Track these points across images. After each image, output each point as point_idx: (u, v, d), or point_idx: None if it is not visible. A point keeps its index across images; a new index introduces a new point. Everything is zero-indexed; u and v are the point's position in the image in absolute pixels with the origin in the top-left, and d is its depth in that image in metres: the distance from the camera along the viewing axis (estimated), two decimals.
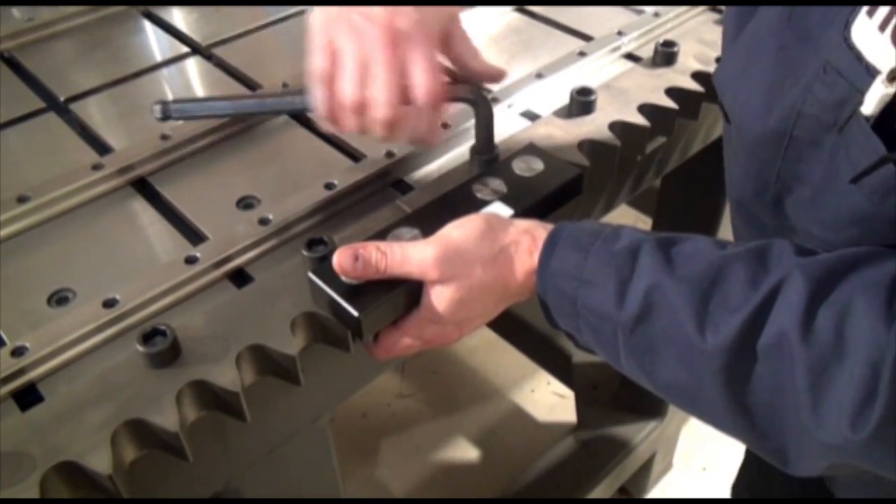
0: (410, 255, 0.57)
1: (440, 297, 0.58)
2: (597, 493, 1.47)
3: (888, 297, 0.43)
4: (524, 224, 0.59)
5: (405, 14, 0.60)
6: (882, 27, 0.44)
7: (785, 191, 0.56)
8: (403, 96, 0.61)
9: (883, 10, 0.44)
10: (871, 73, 0.45)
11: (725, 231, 1.25)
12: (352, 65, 0.60)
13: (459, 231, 0.58)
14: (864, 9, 0.46)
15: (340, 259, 0.57)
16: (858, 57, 0.46)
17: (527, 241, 0.58)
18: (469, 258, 0.57)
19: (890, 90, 0.44)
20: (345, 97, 0.61)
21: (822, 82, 0.49)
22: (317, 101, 0.62)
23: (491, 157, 0.72)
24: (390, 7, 0.60)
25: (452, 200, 0.66)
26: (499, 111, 0.81)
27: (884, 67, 0.44)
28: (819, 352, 0.44)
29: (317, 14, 0.62)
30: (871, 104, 0.45)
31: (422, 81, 0.60)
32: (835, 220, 0.51)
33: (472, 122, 0.79)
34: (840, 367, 0.44)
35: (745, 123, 0.59)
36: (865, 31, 0.46)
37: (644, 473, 1.65)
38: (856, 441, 0.43)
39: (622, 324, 0.52)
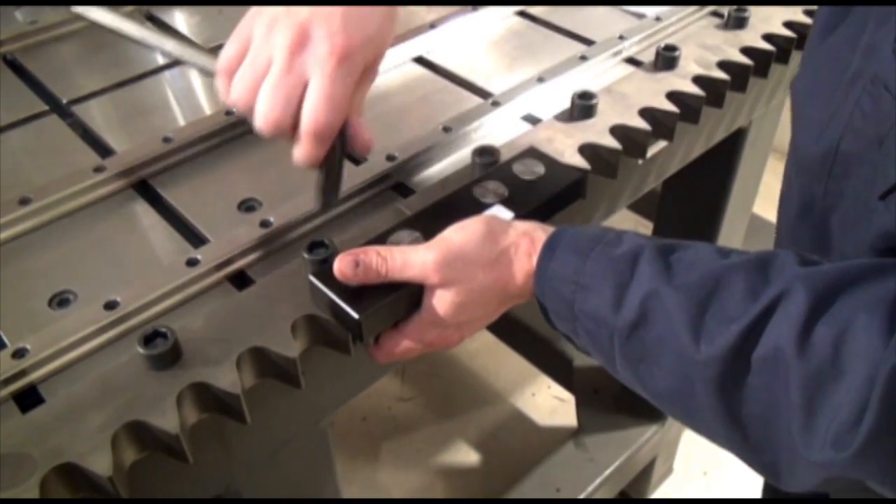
0: (411, 259, 0.57)
1: (441, 301, 0.58)
2: (597, 498, 1.46)
3: (890, 314, 0.42)
4: (524, 226, 0.59)
5: (328, 20, 0.54)
6: None
7: (830, 209, 0.55)
8: (294, 113, 0.55)
9: None
10: None
11: (726, 235, 1.25)
12: (252, 61, 0.55)
13: (460, 234, 0.58)
14: None
15: (341, 265, 0.57)
16: None
17: (526, 243, 0.58)
18: (470, 261, 0.57)
19: None
20: (234, 89, 0.56)
21: (868, 94, 0.48)
22: (217, 89, 0.59)
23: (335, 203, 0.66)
24: (320, 9, 0.54)
25: (453, 203, 0.67)
26: (500, 115, 0.81)
27: None
28: (816, 367, 0.43)
29: (255, 6, 0.58)
30: None
31: (310, 108, 0.54)
32: (867, 239, 0.50)
33: (475, 124, 0.79)
34: (837, 384, 0.43)
35: (803, 138, 0.58)
36: None
37: (645, 478, 1.64)
38: (839, 459, 0.42)
39: (618, 329, 0.52)
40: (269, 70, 0.55)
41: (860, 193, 0.51)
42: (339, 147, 0.59)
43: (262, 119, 0.55)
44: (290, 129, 0.56)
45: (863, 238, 0.51)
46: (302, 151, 0.57)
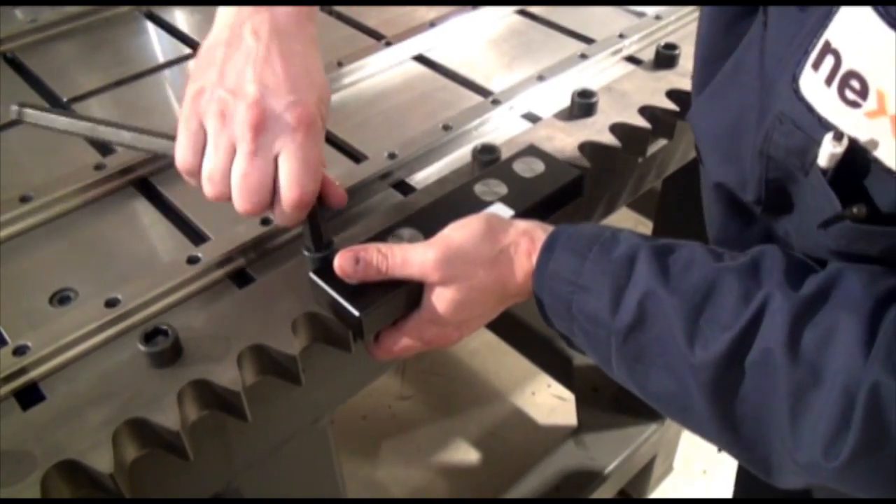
0: (411, 257, 0.58)
1: (441, 299, 0.58)
2: (597, 496, 1.46)
3: (870, 321, 0.43)
4: (524, 225, 0.59)
5: (279, 92, 0.54)
6: (828, 81, 0.44)
7: (774, 221, 0.56)
8: (271, 190, 0.55)
9: (827, 65, 0.44)
10: (823, 125, 0.45)
11: None
12: (214, 152, 0.54)
13: (460, 232, 0.58)
14: (810, 62, 0.45)
15: (341, 262, 0.57)
16: (810, 109, 0.46)
17: (525, 242, 0.58)
18: (470, 259, 0.57)
19: (839, 149, 0.44)
20: (206, 186, 0.56)
21: (779, 131, 0.49)
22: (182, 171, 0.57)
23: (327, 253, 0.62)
24: (266, 81, 0.53)
25: (453, 201, 0.67)
26: (500, 113, 0.82)
27: (837, 122, 0.44)
28: (800, 374, 0.44)
29: (190, 86, 0.56)
30: (824, 159, 0.45)
31: (290, 182, 0.54)
32: (818, 251, 0.51)
33: (475, 122, 0.79)
34: (817, 391, 0.43)
35: (716, 167, 0.59)
36: (813, 84, 0.45)
37: (644, 476, 1.64)
38: (829, 468, 0.43)
39: (615, 331, 0.52)
40: (234, 156, 0.54)
41: (801, 209, 0.52)
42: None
43: (243, 205, 0.55)
44: (270, 204, 0.56)
45: (817, 251, 0.51)
46: (288, 219, 0.57)
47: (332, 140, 0.80)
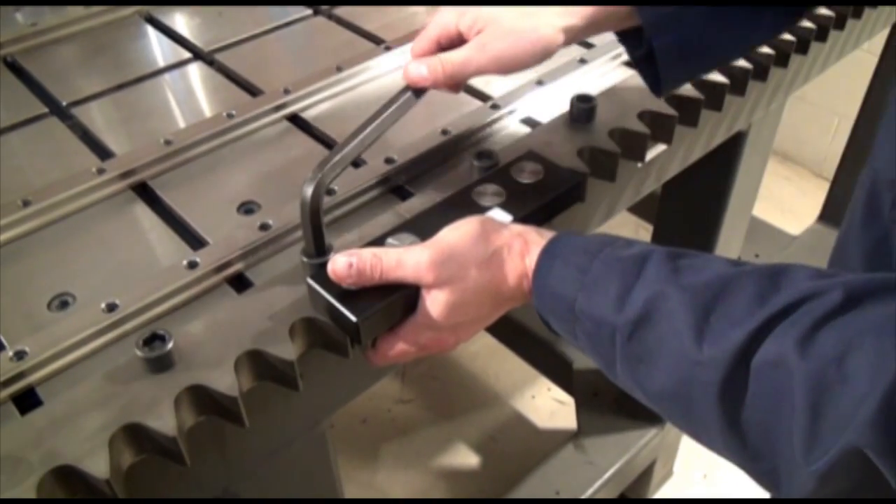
0: (405, 259, 0.57)
1: (435, 302, 0.58)
2: (597, 498, 1.46)
3: None
4: (518, 228, 0.59)
5: None
6: None
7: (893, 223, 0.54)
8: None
9: None
10: None
11: (726, 237, 1.25)
12: None
13: (454, 234, 0.58)
14: None
15: (335, 266, 0.57)
16: None
17: (519, 244, 0.58)
18: (463, 260, 0.57)
19: None
20: None
21: None
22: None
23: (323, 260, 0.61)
24: None
25: (451, 206, 0.67)
26: (499, 118, 0.81)
27: None
28: (819, 367, 0.42)
29: None
30: None
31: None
32: None
33: (474, 127, 0.79)
34: (842, 387, 0.41)
35: (885, 148, 0.57)
36: None
37: (644, 480, 1.64)
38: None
39: (620, 328, 0.51)
40: None
41: None
42: (317, 205, 0.59)
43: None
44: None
45: None
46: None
47: (330, 144, 0.80)
